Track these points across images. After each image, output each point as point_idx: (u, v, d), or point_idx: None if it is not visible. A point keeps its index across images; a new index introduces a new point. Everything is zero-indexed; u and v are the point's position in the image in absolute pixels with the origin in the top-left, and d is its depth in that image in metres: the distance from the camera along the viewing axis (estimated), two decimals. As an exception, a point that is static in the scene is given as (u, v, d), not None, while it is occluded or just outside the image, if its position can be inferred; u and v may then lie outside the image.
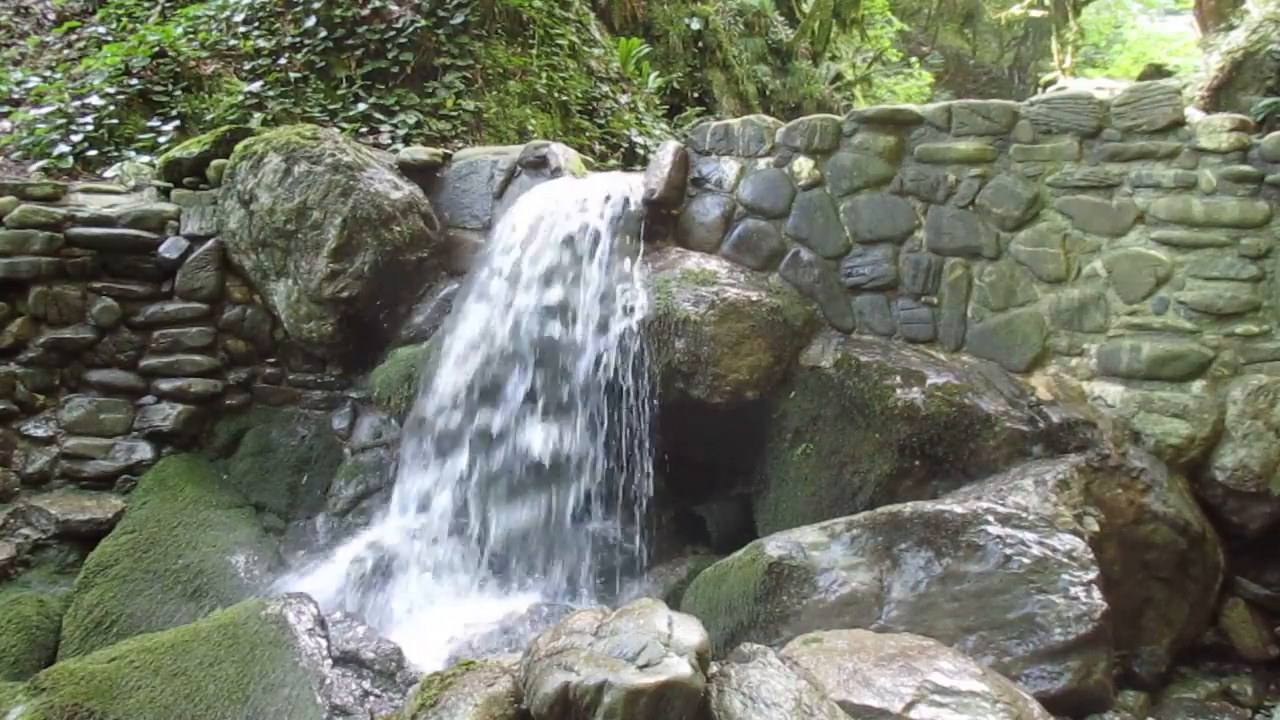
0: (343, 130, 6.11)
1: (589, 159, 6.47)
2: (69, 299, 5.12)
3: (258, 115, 6.41)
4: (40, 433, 5.03)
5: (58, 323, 5.11)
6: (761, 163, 4.72)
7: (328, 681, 3.31)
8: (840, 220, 4.51)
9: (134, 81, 6.48)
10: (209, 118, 6.42)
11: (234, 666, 3.29)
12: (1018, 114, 4.11)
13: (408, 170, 5.46)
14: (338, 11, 6.90)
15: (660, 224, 4.87)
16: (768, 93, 11.75)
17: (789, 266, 4.64)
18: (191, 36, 6.93)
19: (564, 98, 7.65)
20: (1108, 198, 3.95)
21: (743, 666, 2.55)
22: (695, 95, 10.34)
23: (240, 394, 5.42)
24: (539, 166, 5.29)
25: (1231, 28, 8.62)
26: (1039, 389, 4.02)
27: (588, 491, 4.46)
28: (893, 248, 4.39)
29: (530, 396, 4.49)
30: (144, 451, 5.12)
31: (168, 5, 7.70)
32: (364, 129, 6.51)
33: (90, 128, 6.17)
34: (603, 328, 4.42)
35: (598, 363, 4.40)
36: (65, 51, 7.42)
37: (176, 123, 6.31)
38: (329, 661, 3.41)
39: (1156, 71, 11.17)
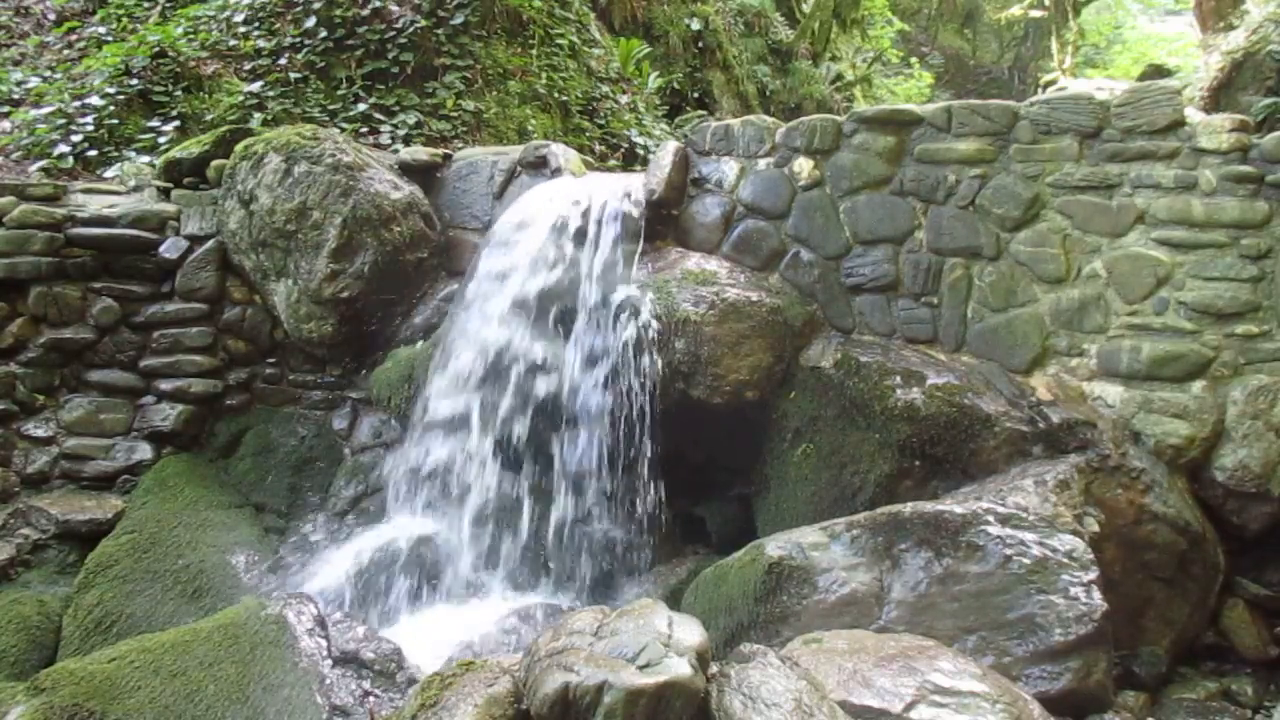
0: (343, 130, 6.11)
1: (589, 159, 6.47)
2: (69, 299, 5.12)
3: (258, 115, 6.41)
4: (40, 433, 5.02)
5: (58, 323, 5.11)
6: (761, 163, 4.72)
7: (328, 682, 3.31)
8: (840, 220, 4.51)
9: (134, 81, 6.48)
10: (209, 118, 6.42)
11: (234, 666, 3.29)
12: (1018, 114, 4.11)
13: (408, 170, 5.46)
14: (338, 11, 6.90)
15: (660, 224, 4.87)
16: (768, 93, 11.74)
17: (789, 267, 4.64)
18: (191, 36, 6.92)
19: (564, 98, 7.65)
20: (1108, 198, 3.95)
21: (743, 667, 2.55)
22: (695, 95, 10.33)
23: (240, 394, 5.41)
24: (539, 166, 5.29)
25: (1231, 28, 8.63)
26: (1039, 389, 4.02)
27: (588, 492, 4.46)
28: (893, 248, 4.39)
29: (528, 397, 4.49)
30: (144, 451, 5.11)
31: (168, 5, 7.70)
32: (364, 129, 6.51)
33: (90, 128, 6.17)
34: (602, 328, 4.42)
35: (596, 364, 4.40)
36: (65, 51, 7.42)
37: (176, 123, 6.31)
38: (329, 662, 3.41)
39: (1156, 72, 11.18)
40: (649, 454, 4.34)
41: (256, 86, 6.60)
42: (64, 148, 6.03)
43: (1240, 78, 7.98)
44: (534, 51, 7.60)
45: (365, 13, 6.94)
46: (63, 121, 6.20)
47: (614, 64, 8.65)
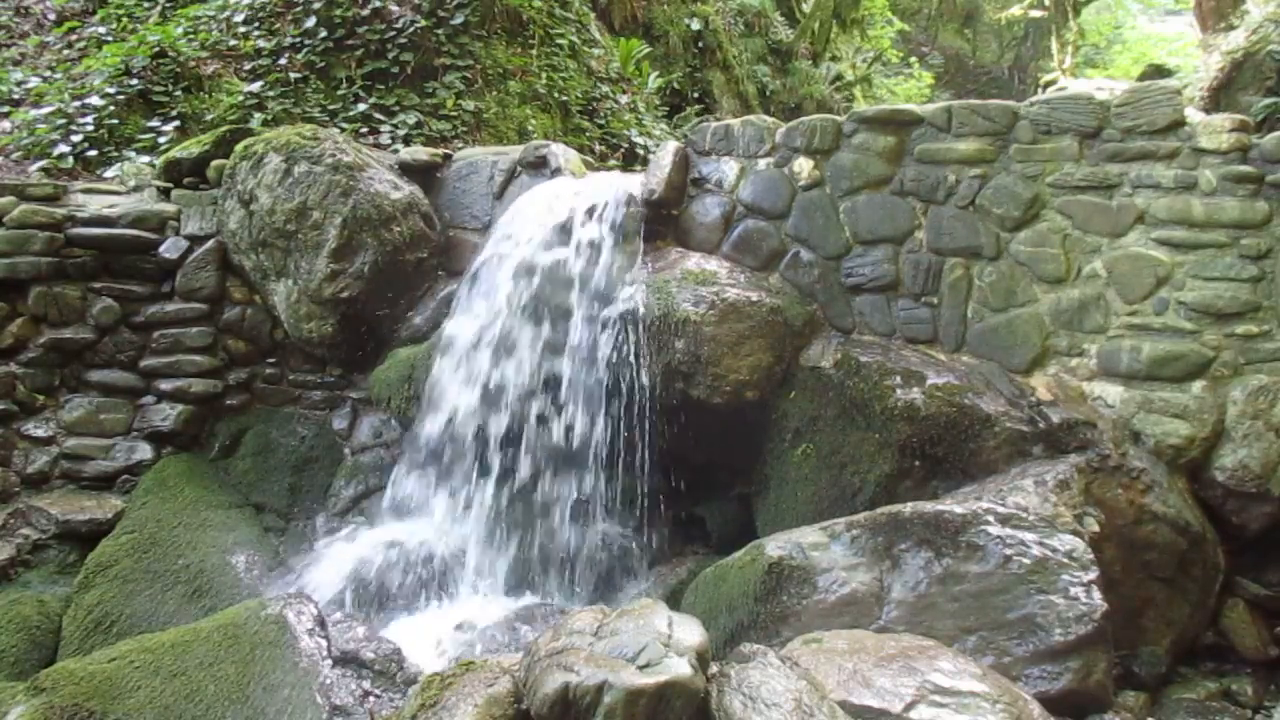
0: (343, 130, 6.11)
1: (589, 159, 6.47)
2: (69, 299, 5.12)
3: (258, 115, 6.41)
4: (40, 433, 5.02)
5: (58, 323, 5.11)
6: (761, 163, 4.72)
7: (328, 682, 3.31)
8: (840, 220, 4.51)
9: (134, 81, 6.48)
10: (209, 118, 6.42)
11: (234, 666, 3.29)
12: (1018, 114, 4.11)
13: (408, 170, 5.46)
14: (338, 11, 6.90)
15: (660, 224, 4.87)
16: (768, 93, 11.74)
17: (789, 267, 4.64)
18: (191, 36, 6.93)
19: (564, 98, 7.65)
20: (1108, 198, 3.95)
21: (743, 667, 2.56)
22: (695, 95, 10.33)
23: (240, 394, 5.41)
24: (539, 166, 5.29)
25: (1231, 28, 8.63)
26: (1039, 389, 4.02)
27: (588, 492, 4.46)
28: (893, 248, 4.39)
29: (526, 397, 4.49)
30: (144, 451, 5.11)
31: (168, 5, 7.69)
32: (364, 129, 6.51)
33: (90, 128, 6.17)
34: (601, 328, 4.42)
35: (595, 364, 4.40)
36: (65, 51, 7.42)
37: (176, 123, 6.31)
38: (329, 662, 3.41)
39: (1156, 72, 11.18)
40: (649, 454, 4.34)
41: (256, 86, 6.60)
42: (64, 148, 6.03)
43: (1240, 78, 7.99)
44: (534, 51, 7.60)
45: (365, 13, 6.95)
46: (63, 121, 6.20)
47: (614, 64, 8.65)
